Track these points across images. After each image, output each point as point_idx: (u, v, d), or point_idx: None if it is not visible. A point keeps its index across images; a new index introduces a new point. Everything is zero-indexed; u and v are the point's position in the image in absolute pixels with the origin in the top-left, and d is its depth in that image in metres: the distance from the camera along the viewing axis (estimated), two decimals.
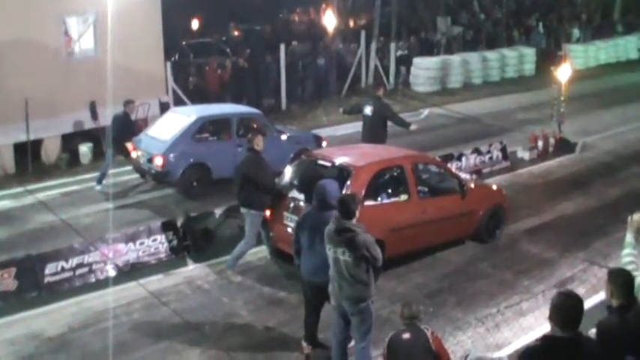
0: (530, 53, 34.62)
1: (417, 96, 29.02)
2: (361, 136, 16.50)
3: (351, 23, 38.27)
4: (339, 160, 12.31)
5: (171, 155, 15.79)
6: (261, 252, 12.94)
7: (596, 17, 43.90)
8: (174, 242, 12.83)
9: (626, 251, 7.13)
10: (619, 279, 6.34)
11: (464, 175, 14.28)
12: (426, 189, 12.84)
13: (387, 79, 29.67)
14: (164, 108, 21.16)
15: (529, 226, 14.65)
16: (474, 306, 11.04)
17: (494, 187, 14.61)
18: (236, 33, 39.80)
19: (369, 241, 8.40)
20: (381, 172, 12.32)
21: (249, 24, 40.63)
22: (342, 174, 11.79)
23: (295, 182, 12.57)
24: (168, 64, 22.73)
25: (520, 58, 34.14)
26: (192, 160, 16.01)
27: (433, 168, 13.60)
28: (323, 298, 9.18)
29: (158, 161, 15.74)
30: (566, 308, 5.73)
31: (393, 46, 30.26)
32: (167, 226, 12.89)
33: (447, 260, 12.85)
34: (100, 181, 16.78)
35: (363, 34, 29.32)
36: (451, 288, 11.72)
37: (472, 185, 13.54)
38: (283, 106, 25.64)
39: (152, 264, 12.48)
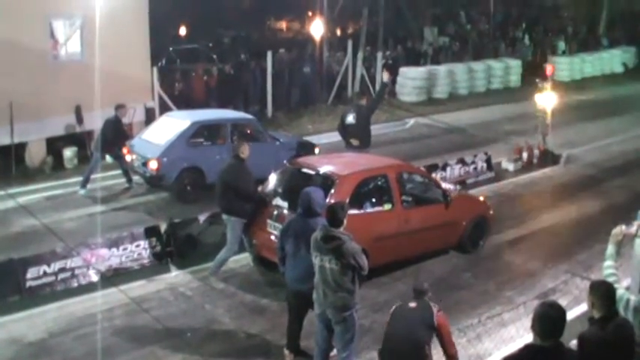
0: (516, 65, 34.83)
1: (403, 105, 29.09)
2: (345, 143, 16.49)
3: (338, 32, 38.39)
4: (323, 169, 12.30)
5: (166, 159, 15.82)
6: (244, 259, 12.92)
7: (583, 30, 44.22)
8: (158, 248, 12.78)
9: (607, 263, 7.16)
10: (600, 291, 6.36)
11: (448, 186, 14.29)
12: (410, 198, 12.80)
13: (373, 88, 29.74)
14: (150, 113, 21.18)
15: (512, 237, 14.70)
16: (455, 316, 10.98)
17: (478, 198, 14.67)
18: (223, 39, 39.92)
19: (356, 249, 8.42)
20: (365, 181, 12.29)
21: (236, 31, 40.74)
22: (326, 182, 11.76)
23: (279, 190, 12.55)
24: (155, 69, 22.70)
25: (506, 70, 34.31)
26: (186, 164, 16.05)
27: (417, 178, 13.59)
28: (307, 305, 9.17)
29: (153, 165, 15.79)
30: (549, 318, 5.76)
31: (379, 55, 30.33)
32: (150, 232, 12.84)
33: (429, 270, 12.84)
34: (84, 185, 16.74)
35: (350, 42, 29.37)
36: (433, 298, 11.69)
37: (456, 195, 13.58)
38: (269, 113, 25.61)
39: (135, 270, 12.42)
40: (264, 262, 12.41)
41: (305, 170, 12.55)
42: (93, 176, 16.83)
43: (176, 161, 15.95)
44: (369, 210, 12.12)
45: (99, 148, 16.72)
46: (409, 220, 12.40)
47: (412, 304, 7.93)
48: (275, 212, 11.93)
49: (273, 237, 11.49)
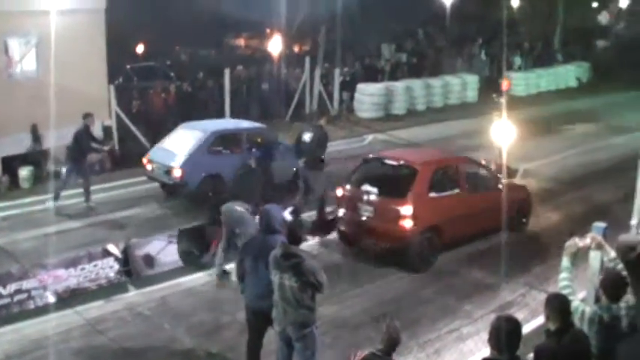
0: (473, 80, 35.16)
1: (361, 122, 29.22)
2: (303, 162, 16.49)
3: (297, 49, 38.49)
4: (405, 159, 14.60)
5: (189, 167, 16.63)
6: (204, 277, 12.88)
7: (538, 46, 44.86)
8: (116, 268, 12.67)
9: (562, 275, 7.26)
10: (555, 304, 6.46)
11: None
12: (473, 185, 14.77)
13: (331, 104, 29.84)
14: (107, 131, 21.03)
15: (472, 252, 14.79)
16: (416, 331, 11.08)
17: (521, 185, 17.17)
18: (181, 57, 39.82)
19: (315, 267, 8.44)
20: (440, 169, 14.51)
21: (194, 48, 40.66)
22: (408, 171, 14.03)
23: (367, 178, 14.27)
24: (112, 87, 22.55)
25: (463, 85, 34.63)
26: (208, 171, 16.68)
27: (478, 168, 15.58)
28: (267, 323, 9.13)
29: (177, 173, 16.64)
30: (504, 332, 5.82)
31: (337, 71, 30.46)
32: (108, 252, 12.72)
33: (391, 286, 12.94)
34: (56, 198, 16.76)
35: (307, 59, 29.45)
36: (394, 313, 11.73)
37: (506, 183, 15.64)
38: None
39: (93, 290, 12.29)
40: (346, 239, 14.68)
41: (388, 161, 14.71)
42: (64, 190, 16.84)
43: (198, 169, 16.65)
44: (443, 194, 14.07)
45: (71, 159, 16.80)
46: (473, 203, 14.30)
47: None
48: (365, 197, 13.85)
49: (364, 217, 13.87)
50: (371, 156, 15.69)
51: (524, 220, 16.15)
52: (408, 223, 13.32)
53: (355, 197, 14.08)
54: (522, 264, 14.08)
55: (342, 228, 14.64)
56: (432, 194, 13.83)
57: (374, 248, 14.26)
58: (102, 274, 12.50)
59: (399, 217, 13.34)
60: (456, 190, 14.33)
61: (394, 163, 14.54)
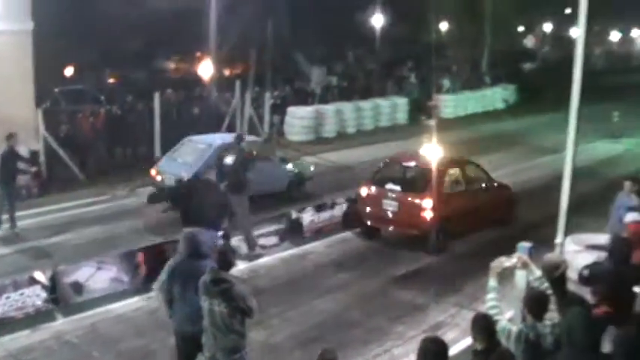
0: (403, 103, 35.60)
1: (292, 145, 29.18)
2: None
3: (227, 72, 38.45)
4: (419, 162, 16.89)
5: (199, 177, 17.18)
6: (135, 303, 12.71)
7: (466, 69, 45.74)
8: (43, 296, 12.38)
9: (489, 296, 7.37)
10: (479, 324, 6.57)
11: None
12: (474, 184, 17.23)
13: (262, 128, 29.84)
14: (34, 157, 20.59)
15: (402, 273, 14.95)
16: (347, 354, 11.02)
17: (506, 184, 18.80)
18: (111, 80, 39.43)
19: (245, 292, 8.39)
20: (451, 169, 16.77)
21: (124, 71, 40.32)
22: (425, 171, 16.36)
23: (389, 178, 16.82)
24: (40, 111, 22.13)
25: (393, 108, 35.03)
26: None
27: (477, 170, 17.79)
28: (196, 349, 9.03)
29: None
30: (431, 354, 5.89)
31: (267, 95, 30.49)
32: (35, 279, 12.43)
33: (321, 309, 12.93)
34: None
35: (238, 83, 29.45)
36: (325, 337, 11.73)
37: (497, 183, 18.14)
38: (157, 153, 25.24)
39: (19, 319, 11.99)
40: (369, 233, 17.04)
41: (405, 163, 17.37)
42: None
43: None
44: (452, 191, 16.50)
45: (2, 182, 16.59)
46: (474, 199, 16.70)
47: None
48: (389, 194, 16.34)
49: (388, 212, 16.33)
50: (388, 160, 18.17)
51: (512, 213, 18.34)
52: (428, 214, 15.75)
53: (380, 195, 16.49)
54: (452, 284, 14.26)
55: (368, 222, 16.89)
56: (447, 191, 16.36)
57: (395, 237, 16.84)
58: (28, 303, 12.20)
59: (421, 209, 15.77)
60: (462, 188, 16.86)
61: (411, 164, 17.19)
